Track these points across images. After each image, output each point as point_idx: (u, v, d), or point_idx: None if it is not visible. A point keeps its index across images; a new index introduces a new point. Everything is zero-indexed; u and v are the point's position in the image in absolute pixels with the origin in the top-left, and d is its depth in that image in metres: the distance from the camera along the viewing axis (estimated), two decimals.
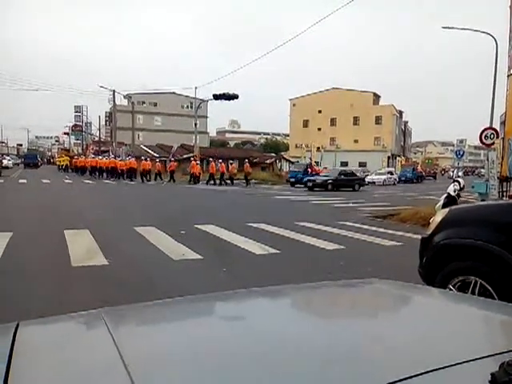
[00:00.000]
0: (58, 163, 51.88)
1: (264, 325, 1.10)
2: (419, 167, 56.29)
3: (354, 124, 68.00)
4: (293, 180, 31.58)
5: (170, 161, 33.59)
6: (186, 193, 21.87)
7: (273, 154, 58.61)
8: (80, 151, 61.51)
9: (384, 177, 39.74)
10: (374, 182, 37.46)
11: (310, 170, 32.33)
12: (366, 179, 38.35)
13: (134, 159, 33.31)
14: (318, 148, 48.64)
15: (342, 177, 28.40)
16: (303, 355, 0.87)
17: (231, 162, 32.58)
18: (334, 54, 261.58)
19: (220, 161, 31.02)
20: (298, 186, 29.19)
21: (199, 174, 30.16)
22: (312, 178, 28.50)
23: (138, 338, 1.03)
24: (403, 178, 45.08)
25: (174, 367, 0.83)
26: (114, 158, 36.47)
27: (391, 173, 42.17)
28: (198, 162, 31.77)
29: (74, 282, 4.99)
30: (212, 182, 29.13)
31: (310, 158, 36.15)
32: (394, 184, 39.15)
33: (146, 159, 32.36)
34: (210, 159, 31.79)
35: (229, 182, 29.66)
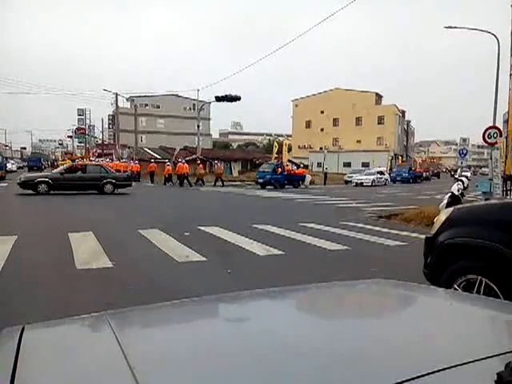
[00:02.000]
0: (61, 166, 52.38)
1: (268, 326, 1.10)
2: (418, 166, 55.07)
3: (357, 124, 67.89)
4: (261, 181, 29.17)
5: (174, 163, 33.52)
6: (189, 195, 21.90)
7: (275, 155, 58.53)
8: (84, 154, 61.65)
9: (373, 177, 36.86)
10: (362, 183, 35.31)
11: (279, 170, 29.61)
12: (353, 180, 36.91)
13: (137, 162, 33.63)
14: (321, 148, 48.55)
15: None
16: (307, 356, 0.87)
17: (198, 162, 31.42)
18: (337, 55, 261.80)
19: (198, 162, 30.89)
20: (269, 187, 28.01)
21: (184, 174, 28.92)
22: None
23: (142, 340, 1.04)
24: (399, 178, 43.18)
25: (178, 369, 0.83)
26: (118, 160, 36.82)
27: (381, 173, 39.47)
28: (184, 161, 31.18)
29: (78, 285, 5.00)
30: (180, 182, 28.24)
31: (281, 158, 33.09)
32: (385, 184, 37.12)
33: (151, 161, 32.45)
34: (179, 160, 30.32)
35: (200, 182, 28.64)
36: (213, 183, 28.99)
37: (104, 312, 1.20)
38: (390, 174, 43.85)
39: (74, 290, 4.83)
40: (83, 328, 1.20)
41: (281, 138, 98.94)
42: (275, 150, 33.61)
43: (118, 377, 0.79)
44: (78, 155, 62.10)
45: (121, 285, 5.02)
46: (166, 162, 31.72)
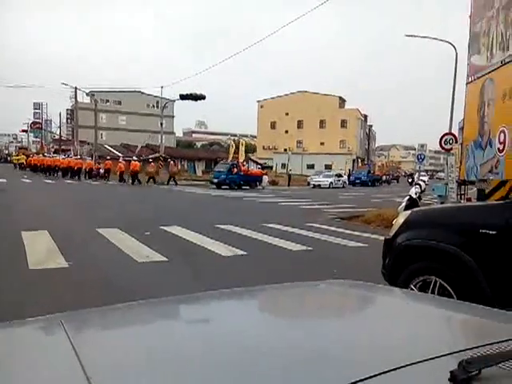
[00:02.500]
0: (14, 161, 50.84)
1: (227, 327, 1.09)
2: (377, 170, 56.20)
3: (321, 127, 69.09)
4: (216, 181, 28.45)
5: (134, 160, 32.96)
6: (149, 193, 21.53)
7: None
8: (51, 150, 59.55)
9: (330, 179, 37.44)
10: (320, 185, 35.54)
11: (235, 169, 28.92)
12: (311, 181, 36.81)
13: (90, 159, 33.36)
14: (286, 149, 48.88)
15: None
16: (266, 356, 0.86)
17: (134, 159, 31.00)
18: (302, 58, 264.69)
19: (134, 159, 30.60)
20: (225, 187, 27.41)
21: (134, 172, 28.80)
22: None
23: (98, 344, 1.00)
24: (357, 181, 43.49)
25: (136, 375, 0.80)
26: (80, 157, 36.52)
27: (339, 175, 40.23)
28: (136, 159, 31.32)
29: (31, 286, 4.79)
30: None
31: (238, 158, 32.53)
32: (343, 187, 37.53)
33: (108, 159, 31.96)
34: (133, 158, 30.32)
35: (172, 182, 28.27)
36: (166, 182, 28.51)
37: (58, 314, 1.15)
38: (349, 177, 44.52)
39: (26, 291, 4.63)
40: (35, 331, 1.14)
41: (246, 139, 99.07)
42: (232, 149, 32.95)
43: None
44: (34, 150, 59.80)
45: (76, 286, 4.84)
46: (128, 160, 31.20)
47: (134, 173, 27.94)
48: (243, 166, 31.14)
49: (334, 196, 24.21)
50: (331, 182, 36.69)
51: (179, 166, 32.18)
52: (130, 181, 28.09)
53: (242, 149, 32.96)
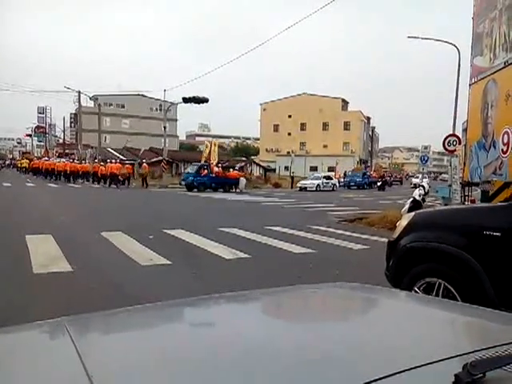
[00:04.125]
0: (19, 165, 52.77)
1: (232, 330, 1.09)
2: (374, 172, 51.30)
3: (324, 129, 69.07)
4: (183, 183, 27.54)
5: (139, 164, 33.36)
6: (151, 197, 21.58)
7: (243, 158, 58.70)
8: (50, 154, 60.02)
9: (318, 182, 35.54)
10: (306, 188, 33.98)
11: (205, 171, 27.70)
12: (298, 184, 35.08)
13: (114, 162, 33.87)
14: (289, 152, 48.71)
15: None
16: (270, 359, 0.86)
17: (125, 161, 31.82)
18: (305, 60, 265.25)
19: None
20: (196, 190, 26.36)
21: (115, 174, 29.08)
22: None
23: (102, 347, 1.00)
24: (352, 184, 41.50)
25: (140, 378, 0.80)
26: (80, 161, 37.08)
27: (329, 177, 38.03)
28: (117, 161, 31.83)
29: (35, 290, 4.80)
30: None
31: (209, 159, 31.07)
32: (333, 190, 35.78)
33: (110, 162, 32.38)
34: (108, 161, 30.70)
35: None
36: (141, 184, 28.63)
37: (62, 318, 1.15)
38: (344, 179, 43.01)
39: (31, 295, 4.64)
40: (39, 335, 1.14)
41: (248, 142, 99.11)
42: (207, 150, 31.56)
43: None
44: (37, 155, 60.27)
45: (80, 290, 4.85)
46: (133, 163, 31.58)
47: (112, 175, 28.30)
48: (216, 167, 29.40)
49: (307, 198, 23.56)
50: (318, 185, 34.98)
51: (182, 169, 32.16)
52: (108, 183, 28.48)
53: (214, 150, 31.33)
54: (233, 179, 29.32)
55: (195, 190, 26.67)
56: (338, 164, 52.98)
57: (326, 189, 35.06)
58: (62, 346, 0.97)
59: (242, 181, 29.54)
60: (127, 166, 30.61)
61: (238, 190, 28.58)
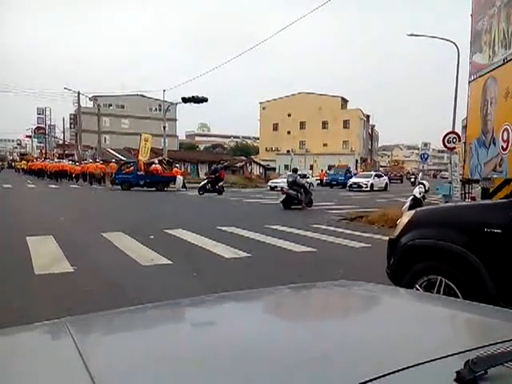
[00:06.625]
0: (18, 167, 55.04)
1: (234, 329, 1.09)
2: (359, 169, 47.05)
3: (323, 128, 69.06)
4: (117, 181, 25.66)
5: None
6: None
7: (243, 158, 58.73)
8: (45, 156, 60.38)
9: (291, 180, 32.70)
10: (275, 187, 30.44)
11: (131, 168, 25.75)
12: (269, 183, 32.43)
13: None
14: (288, 151, 48.41)
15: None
16: (274, 358, 0.86)
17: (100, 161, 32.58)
18: (304, 59, 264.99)
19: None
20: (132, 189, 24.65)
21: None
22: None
23: (104, 347, 1.00)
24: (334, 183, 37.32)
25: (141, 378, 0.80)
26: (80, 162, 38.27)
27: (303, 176, 33.76)
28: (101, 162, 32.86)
29: (36, 291, 4.80)
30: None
31: (137, 155, 28.89)
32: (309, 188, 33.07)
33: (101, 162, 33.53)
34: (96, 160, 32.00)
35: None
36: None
37: (64, 318, 1.16)
38: (325, 178, 39.53)
39: (32, 296, 4.64)
40: (41, 335, 1.14)
41: (248, 141, 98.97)
42: (143, 145, 29.49)
43: None
44: (34, 156, 60.79)
45: (82, 290, 4.85)
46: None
47: (91, 174, 29.97)
48: (156, 164, 26.93)
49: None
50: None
51: (183, 169, 32.15)
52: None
53: (145, 145, 28.99)
54: (168, 177, 26.94)
55: (118, 187, 25.40)
56: (316, 161, 50.76)
57: None
58: (63, 347, 0.97)
59: (179, 179, 27.13)
60: (100, 166, 31.59)
61: (175, 188, 26.46)
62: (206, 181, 23.84)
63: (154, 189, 25.15)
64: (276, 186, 30.79)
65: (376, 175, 34.04)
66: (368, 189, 30.53)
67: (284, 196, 16.05)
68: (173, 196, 22.54)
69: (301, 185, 16.49)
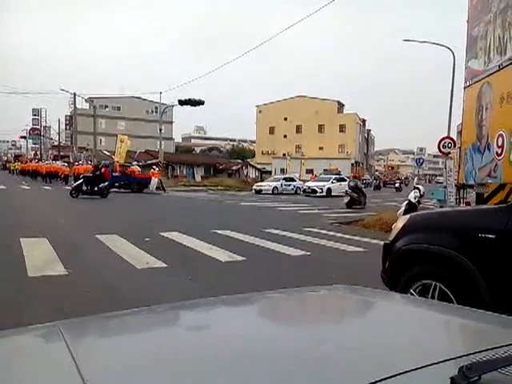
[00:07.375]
0: (12, 168, 54.91)
1: (229, 333, 1.08)
2: (351, 173, 42.66)
3: (319, 132, 69.20)
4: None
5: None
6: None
7: (239, 161, 58.75)
8: (38, 156, 60.23)
9: (275, 183, 30.99)
10: (261, 190, 29.84)
11: (102, 170, 21.60)
12: (254, 186, 31.69)
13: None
14: (284, 154, 48.52)
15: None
16: (267, 362, 0.86)
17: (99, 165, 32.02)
18: (301, 63, 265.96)
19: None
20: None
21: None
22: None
23: (97, 351, 0.99)
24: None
25: (135, 382, 0.80)
26: (73, 163, 38.78)
27: (291, 179, 32.93)
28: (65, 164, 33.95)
29: (29, 293, 4.76)
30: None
31: (112, 157, 27.74)
32: (296, 193, 30.52)
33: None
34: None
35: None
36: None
37: (56, 322, 1.15)
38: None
39: (25, 298, 4.61)
40: (33, 339, 1.13)
41: (244, 144, 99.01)
42: (119, 145, 28.72)
43: None
44: (28, 157, 60.63)
45: (75, 293, 4.82)
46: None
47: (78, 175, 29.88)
48: (120, 166, 26.39)
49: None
50: (275, 187, 30.26)
51: (178, 171, 32.24)
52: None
53: (121, 146, 28.16)
54: (143, 179, 26.53)
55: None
56: (303, 164, 49.67)
57: (286, 192, 30.40)
58: (56, 350, 0.96)
59: (154, 181, 26.54)
60: (90, 167, 31.87)
61: (149, 190, 25.82)
62: (81, 180, 19.55)
63: (129, 190, 24.72)
64: (261, 190, 29.86)
65: (337, 179, 30.19)
66: (324, 194, 27.61)
67: (348, 198, 18.99)
68: (141, 198, 21.57)
69: (360, 189, 19.53)
